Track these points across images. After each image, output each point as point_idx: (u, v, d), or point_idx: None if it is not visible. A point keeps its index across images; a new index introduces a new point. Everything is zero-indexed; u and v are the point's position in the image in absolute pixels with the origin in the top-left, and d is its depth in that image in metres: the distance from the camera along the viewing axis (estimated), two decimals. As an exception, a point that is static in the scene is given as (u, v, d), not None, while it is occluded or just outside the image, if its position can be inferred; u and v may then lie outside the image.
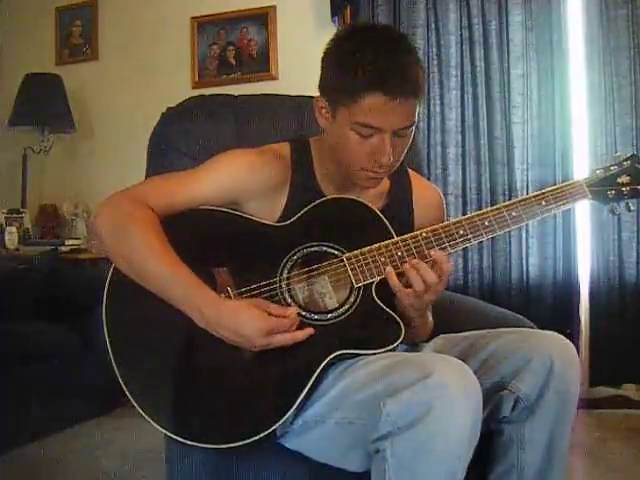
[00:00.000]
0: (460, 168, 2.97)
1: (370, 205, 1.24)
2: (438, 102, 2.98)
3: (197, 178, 1.22)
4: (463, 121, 2.97)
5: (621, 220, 2.78)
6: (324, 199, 1.24)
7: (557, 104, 2.85)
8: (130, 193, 1.20)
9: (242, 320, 1.08)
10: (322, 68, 1.21)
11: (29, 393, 2.47)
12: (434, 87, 2.98)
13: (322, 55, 1.22)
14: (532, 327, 1.41)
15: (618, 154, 1.27)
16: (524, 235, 2.88)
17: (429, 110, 2.97)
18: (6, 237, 3.13)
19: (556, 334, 1.18)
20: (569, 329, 2.74)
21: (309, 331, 1.12)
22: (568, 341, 1.17)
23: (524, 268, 2.89)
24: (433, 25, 2.99)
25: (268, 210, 1.24)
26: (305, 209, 1.22)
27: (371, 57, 1.11)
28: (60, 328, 2.69)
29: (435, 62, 2.98)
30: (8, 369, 2.37)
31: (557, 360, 1.11)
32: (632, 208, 1.26)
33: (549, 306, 2.87)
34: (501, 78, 2.91)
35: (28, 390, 2.47)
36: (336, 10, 3.09)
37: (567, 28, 2.86)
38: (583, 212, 2.86)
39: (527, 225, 2.86)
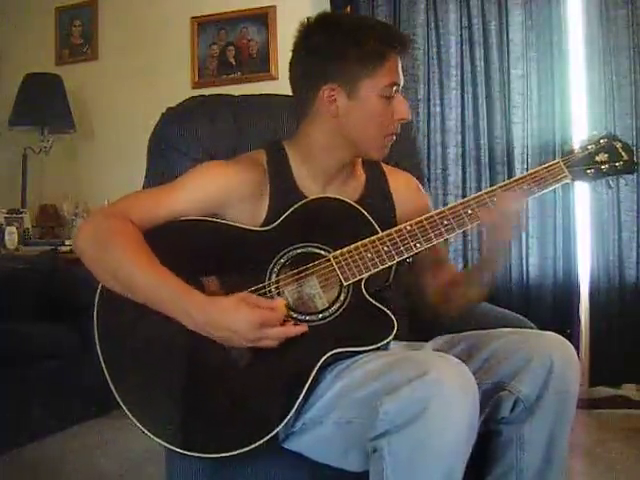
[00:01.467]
0: (460, 168, 2.98)
1: (352, 203, 1.24)
2: (438, 102, 2.98)
3: (176, 190, 1.23)
4: (463, 121, 2.97)
5: (621, 220, 2.79)
6: (305, 200, 1.24)
7: (557, 104, 2.85)
8: (110, 210, 1.21)
9: (231, 316, 1.08)
10: (319, 56, 1.21)
11: (29, 393, 2.47)
12: (434, 87, 2.98)
13: (309, 46, 1.23)
14: (532, 327, 1.41)
15: (595, 133, 1.27)
16: (524, 235, 2.88)
17: (429, 110, 2.97)
18: (6, 237, 3.13)
19: (555, 335, 1.18)
20: (569, 329, 2.74)
21: (303, 328, 1.12)
22: (567, 342, 1.16)
23: (524, 268, 2.89)
24: (433, 25, 2.99)
25: (250, 217, 1.24)
26: (288, 212, 1.22)
27: (381, 26, 1.25)
28: (60, 328, 2.69)
29: (435, 62, 2.98)
30: (8, 369, 2.37)
31: (557, 361, 1.11)
32: (612, 185, 1.28)
33: (549, 306, 2.87)
34: (501, 78, 2.91)
35: (28, 390, 2.47)
36: (336, 10, 3.08)
37: (567, 28, 2.87)
38: (583, 212, 2.87)
39: (527, 225, 2.86)
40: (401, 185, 1.40)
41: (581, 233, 2.87)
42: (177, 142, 1.50)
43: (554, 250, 2.86)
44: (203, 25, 3.41)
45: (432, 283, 1.39)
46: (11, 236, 3.15)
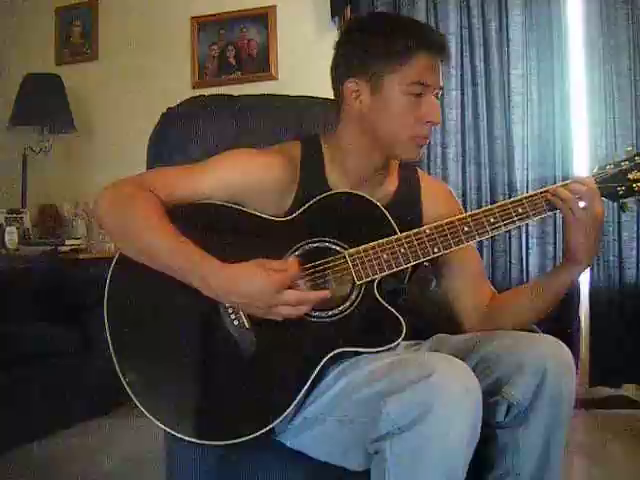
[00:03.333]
0: (460, 168, 2.98)
1: (374, 200, 1.21)
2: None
3: (202, 173, 1.21)
4: (463, 121, 2.97)
5: (621, 220, 2.79)
6: (327, 194, 1.21)
7: (557, 104, 2.85)
8: (132, 179, 1.20)
9: (247, 279, 1.07)
10: (348, 50, 1.21)
11: (29, 393, 2.47)
12: (434, 87, 2.98)
13: (343, 42, 1.23)
14: (532, 328, 1.40)
15: (630, 149, 1.21)
16: (524, 235, 2.88)
17: (429, 110, 2.96)
18: (6, 237, 3.13)
19: (551, 337, 1.15)
20: (569, 329, 2.74)
21: (324, 293, 1.10)
22: (564, 345, 1.13)
23: (524, 268, 2.89)
24: (433, 25, 2.99)
25: (274, 209, 1.22)
26: (308, 204, 1.21)
27: (413, 23, 1.23)
28: (60, 328, 2.69)
29: (435, 62, 2.98)
30: (8, 369, 2.37)
31: (551, 365, 1.08)
32: None
33: (549, 306, 2.86)
34: (501, 78, 2.91)
35: (28, 390, 2.47)
36: (336, 10, 3.09)
37: (567, 28, 2.86)
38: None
39: (527, 225, 2.86)
40: (433, 193, 1.36)
41: (581, 233, 2.87)
42: (177, 142, 1.50)
43: (554, 250, 2.86)
44: (203, 25, 3.41)
45: (470, 305, 1.33)
46: (11, 236, 3.14)
